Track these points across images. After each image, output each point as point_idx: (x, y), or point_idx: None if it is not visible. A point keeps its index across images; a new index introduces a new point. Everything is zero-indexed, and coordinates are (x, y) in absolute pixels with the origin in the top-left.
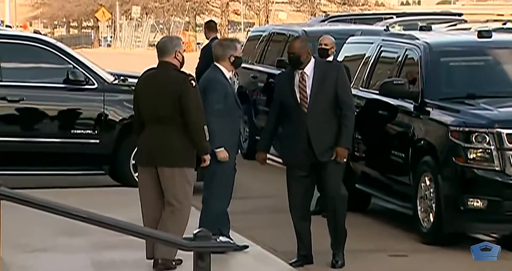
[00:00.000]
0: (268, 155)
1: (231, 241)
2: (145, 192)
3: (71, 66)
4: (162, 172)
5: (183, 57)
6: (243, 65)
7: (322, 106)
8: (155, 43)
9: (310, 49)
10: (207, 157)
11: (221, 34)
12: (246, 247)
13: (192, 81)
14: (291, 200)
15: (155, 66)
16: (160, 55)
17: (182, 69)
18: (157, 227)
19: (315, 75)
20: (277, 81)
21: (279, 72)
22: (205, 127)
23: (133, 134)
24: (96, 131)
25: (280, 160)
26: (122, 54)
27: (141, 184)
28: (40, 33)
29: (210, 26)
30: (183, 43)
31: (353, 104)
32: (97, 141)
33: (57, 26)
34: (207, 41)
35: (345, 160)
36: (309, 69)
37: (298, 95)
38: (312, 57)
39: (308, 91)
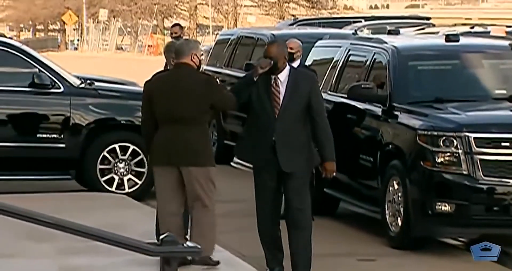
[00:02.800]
0: (237, 160)
1: (198, 246)
2: (165, 191)
3: (37, 69)
4: (189, 171)
5: (200, 60)
6: (211, 68)
7: (292, 114)
8: (122, 47)
9: (286, 54)
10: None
11: (189, 37)
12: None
13: (217, 79)
14: (258, 207)
15: (163, 69)
16: (176, 57)
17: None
18: (173, 220)
19: (288, 82)
20: (255, 86)
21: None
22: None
23: (143, 135)
24: (62, 136)
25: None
26: (89, 57)
27: (160, 183)
28: (6, 37)
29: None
30: (199, 46)
31: (325, 114)
32: (63, 145)
33: (23, 29)
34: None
35: (334, 174)
36: (283, 75)
37: (270, 101)
38: (287, 64)
39: (281, 98)
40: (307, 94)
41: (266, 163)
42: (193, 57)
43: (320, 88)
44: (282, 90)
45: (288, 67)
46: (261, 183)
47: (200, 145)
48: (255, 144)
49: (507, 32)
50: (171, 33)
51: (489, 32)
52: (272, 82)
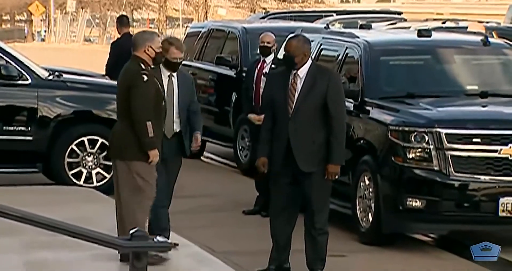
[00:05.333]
0: (208, 154)
1: (168, 241)
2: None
3: (4, 61)
4: (115, 165)
5: (156, 52)
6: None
7: (308, 112)
8: (90, 38)
9: (307, 50)
10: (152, 153)
11: (159, 30)
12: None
13: (144, 76)
14: (273, 209)
15: None
16: (132, 49)
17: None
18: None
19: (306, 78)
20: (270, 79)
21: (273, 69)
22: (149, 123)
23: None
24: (29, 128)
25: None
26: (57, 49)
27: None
28: None
29: (122, 21)
30: (157, 37)
31: (343, 117)
32: (31, 138)
33: None
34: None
35: (336, 177)
36: (303, 71)
37: (285, 98)
38: (309, 59)
39: (296, 95)
40: (323, 91)
41: (283, 165)
42: (147, 49)
43: None
44: (300, 86)
45: (309, 62)
46: (277, 187)
47: (124, 140)
48: (272, 147)
49: (486, 28)
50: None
51: (466, 27)
52: (291, 78)
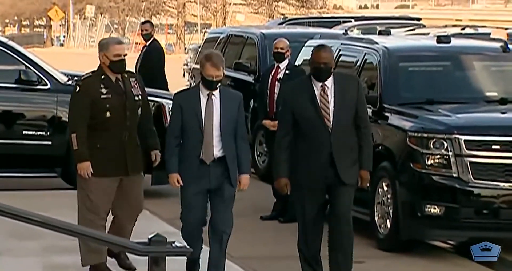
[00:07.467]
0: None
1: (187, 246)
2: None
3: (24, 66)
4: None
5: (111, 60)
6: (199, 67)
7: (345, 123)
8: None
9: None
10: (79, 166)
11: (177, 35)
12: None
13: (77, 86)
14: (305, 224)
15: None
16: None
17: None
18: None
19: (336, 88)
20: (289, 92)
21: (287, 82)
22: (74, 135)
23: None
24: (48, 133)
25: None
26: (76, 54)
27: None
28: None
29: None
30: (117, 45)
31: (369, 121)
32: (50, 142)
33: (8, 25)
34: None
35: (368, 184)
36: (330, 81)
37: (317, 112)
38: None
39: (331, 107)
40: (354, 101)
41: (321, 179)
42: (102, 57)
43: None
44: (331, 98)
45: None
46: (311, 202)
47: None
48: (306, 160)
49: (508, 35)
50: (142, 30)
51: (487, 34)
52: (319, 90)
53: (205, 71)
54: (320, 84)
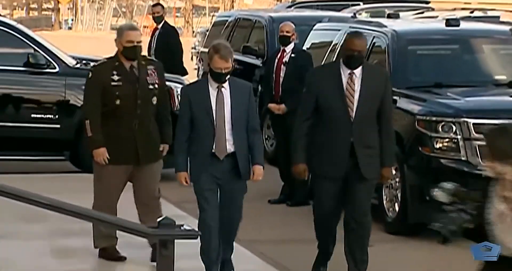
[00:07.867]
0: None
1: (196, 230)
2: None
3: (32, 49)
4: None
5: (124, 47)
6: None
7: (368, 114)
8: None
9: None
10: (94, 152)
11: (185, 19)
12: None
13: (90, 72)
14: (321, 215)
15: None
16: None
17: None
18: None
19: (363, 78)
20: (316, 78)
21: (315, 67)
22: (87, 121)
23: None
24: (57, 116)
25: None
26: (84, 37)
27: None
28: (0, 15)
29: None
30: (127, 32)
31: (392, 117)
32: (58, 126)
33: (17, 8)
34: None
35: (389, 181)
36: (358, 71)
37: (342, 100)
38: None
39: (356, 96)
40: (381, 94)
41: (341, 169)
42: (117, 44)
43: None
44: (357, 87)
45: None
46: (328, 191)
47: None
48: (326, 149)
49: None
50: (153, 13)
51: (496, 17)
52: (347, 78)
53: (213, 64)
54: (349, 71)
